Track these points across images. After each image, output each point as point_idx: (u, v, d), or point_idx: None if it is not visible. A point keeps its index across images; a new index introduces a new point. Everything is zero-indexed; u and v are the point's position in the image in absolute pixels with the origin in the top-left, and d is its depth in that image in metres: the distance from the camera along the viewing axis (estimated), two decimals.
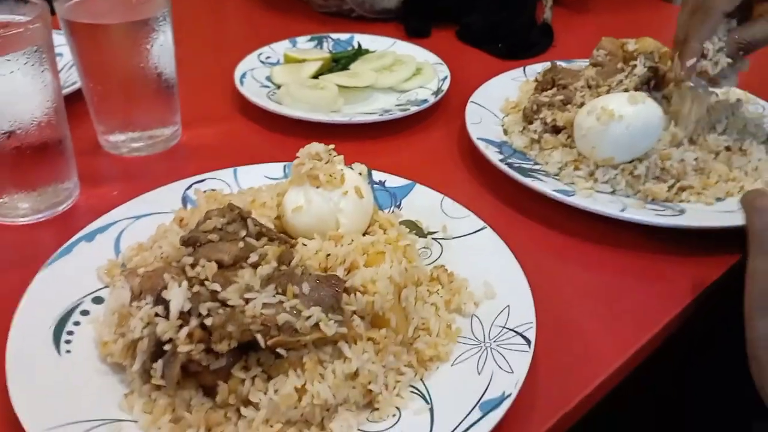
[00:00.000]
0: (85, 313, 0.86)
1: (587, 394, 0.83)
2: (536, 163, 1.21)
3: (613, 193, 1.14)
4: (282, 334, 0.72)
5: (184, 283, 0.74)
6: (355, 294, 0.79)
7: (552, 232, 1.11)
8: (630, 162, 1.15)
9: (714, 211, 1.11)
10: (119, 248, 0.97)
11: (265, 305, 0.73)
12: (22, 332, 0.80)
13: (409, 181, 1.11)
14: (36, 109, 1.03)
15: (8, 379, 0.74)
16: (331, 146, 0.94)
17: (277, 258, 0.80)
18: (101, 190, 1.19)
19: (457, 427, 0.70)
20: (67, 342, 0.81)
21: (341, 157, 0.95)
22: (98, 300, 0.88)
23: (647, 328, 0.94)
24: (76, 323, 0.84)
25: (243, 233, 0.83)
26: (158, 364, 0.72)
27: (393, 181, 1.11)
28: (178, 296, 0.72)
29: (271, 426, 0.71)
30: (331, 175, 0.91)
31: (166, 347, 0.72)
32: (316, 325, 0.74)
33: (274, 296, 0.74)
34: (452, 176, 1.26)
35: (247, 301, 0.74)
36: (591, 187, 1.14)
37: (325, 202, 0.90)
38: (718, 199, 1.14)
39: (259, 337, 0.71)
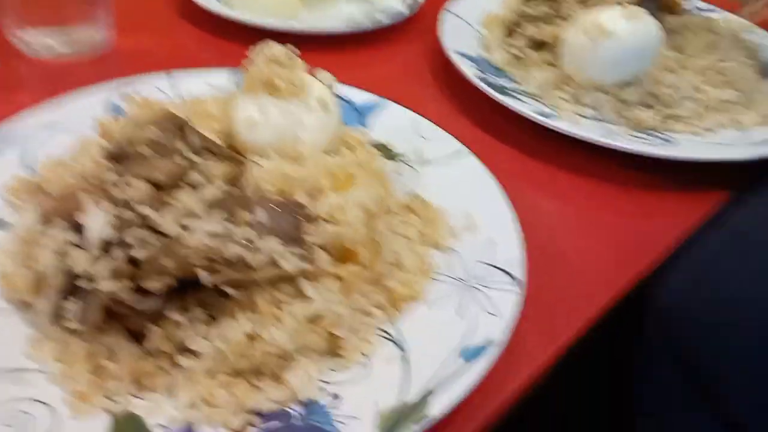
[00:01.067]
0: None
1: (574, 333, 0.74)
2: (517, 83, 1.09)
3: (598, 118, 1.03)
4: (230, 270, 0.59)
5: (105, 204, 0.60)
6: (319, 223, 0.66)
7: (531, 158, 1.00)
8: (619, 86, 1.04)
9: (705, 143, 1.02)
10: (30, 164, 0.80)
11: (209, 235, 0.60)
12: None
13: (378, 98, 0.97)
14: None
15: None
16: (293, 48, 0.79)
17: (225, 179, 0.67)
18: (14, 97, 1.01)
19: (434, 377, 0.60)
20: None
21: (302, 62, 0.80)
22: (2, 225, 0.73)
23: (633, 264, 0.86)
24: None
25: (182, 147, 0.68)
26: (72, 304, 0.59)
27: (358, 96, 0.97)
28: (97, 221, 0.58)
29: (215, 378, 0.59)
30: (292, 83, 0.76)
31: (83, 283, 0.58)
32: (273, 259, 0.61)
33: (221, 224, 0.61)
34: (423, 94, 1.12)
35: (187, 229, 0.60)
36: (575, 111, 1.03)
37: (284, 115, 0.76)
38: (709, 131, 1.05)
39: (202, 273, 0.58)
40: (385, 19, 1.22)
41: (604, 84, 1.03)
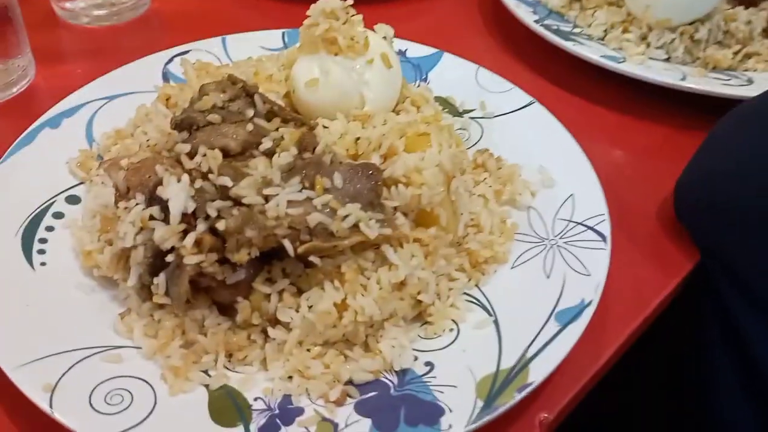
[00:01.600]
0: (58, 215, 0.70)
1: (662, 299, 0.71)
2: (576, 26, 1.03)
3: (668, 60, 0.98)
4: (314, 239, 0.58)
5: (185, 177, 0.58)
6: (396, 186, 0.64)
7: (598, 106, 0.96)
8: (690, 24, 0.98)
9: None
10: (92, 135, 0.79)
11: (290, 203, 0.58)
12: None
13: (436, 50, 0.93)
14: None
15: None
16: (349, 1, 0.75)
17: (297, 143, 0.64)
18: (62, 68, 0.99)
19: (531, 343, 0.58)
20: (41, 252, 0.66)
21: (360, 16, 0.76)
22: (73, 199, 0.72)
23: None
24: (49, 228, 0.68)
25: (250, 113, 0.66)
26: (160, 279, 0.58)
27: (416, 50, 0.93)
28: (178, 194, 0.57)
29: (307, 349, 0.58)
30: (352, 39, 0.73)
31: (169, 258, 0.57)
32: (355, 225, 0.59)
33: (300, 191, 0.59)
34: (477, 44, 1.08)
35: (267, 198, 0.58)
36: (643, 53, 0.97)
37: (347, 73, 0.73)
38: None
39: (286, 243, 0.57)
40: None
41: (674, 23, 0.97)
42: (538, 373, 0.56)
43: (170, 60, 0.89)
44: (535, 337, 0.59)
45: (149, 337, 0.59)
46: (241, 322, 0.59)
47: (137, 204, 0.59)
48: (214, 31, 0.95)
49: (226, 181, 0.58)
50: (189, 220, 0.57)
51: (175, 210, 0.56)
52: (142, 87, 0.84)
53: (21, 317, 0.59)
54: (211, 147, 0.62)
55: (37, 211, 0.69)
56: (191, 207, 0.57)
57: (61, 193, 0.72)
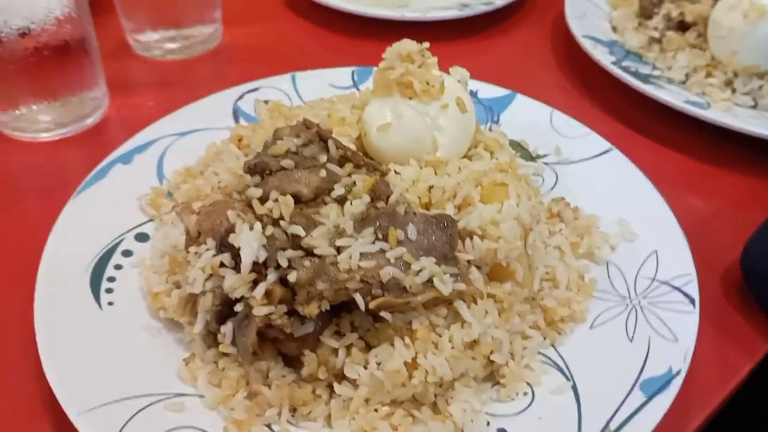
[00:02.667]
0: (127, 253, 0.70)
1: (754, 365, 0.66)
2: (655, 68, 0.99)
3: (755, 107, 0.93)
4: (387, 294, 0.55)
5: (257, 226, 0.57)
6: (471, 239, 0.61)
7: (678, 153, 0.92)
8: None
9: None
10: (162, 172, 0.79)
11: (363, 255, 0.56)
12: (53, 279, 0.65)
13: (508, 91, 0.90)
14: (52, 0, 0.84)
15: (39, 342, 0.59)
16: (426, 44, 0.74)
17: (370, 191, 0.62)
18: (134, 100, 1.01)
19: (615, 414, 0.54)
20: (109, 291, 0.66)
21: (435, 59, 0.75)
22: (142, 237, 0.72)
23: None
24: (118, 267, 0.68)
25: (323, 158, 0.64)
26: (227, 328, 0.56)
27: (487, 90, 0.91)
28: (250, 243, 0.55)
29: (375, 409, 0.55)
30: (427, 83, 0.71)
31: (237, 306, 0.56)
32: (429, 280, 0.56)
33: (373, 243, 0.57)
34: (548, 84, 1.05)
35: (339, 249, 0.57)
36: (728, 99, 0.93)
37: (421, 118, 0.71)
38: None
39: (358, 297, 0.55)
40: (498, 0, 1.14)
41: (762, 69, 0.92)
42: None
43: (241, 97, 0.90)
44: (619, 407, 0.55)
45: (213, 386, 0.58)
46: (306, 375, 0.57)
47: (208, 250, 0.58)
48: (285, 66, 0.95)
49: (298, 230, 0.57)
50: (259, 269, 0.56)
51: (247, 259, 0.55)
52: (212, 124, 0.85)
53: (87, 359, 0.59)
54: (283, 193, 0.60)
55: (107, 249, 0.69)
56: (263, 256, 0.55)
57: (131, 230, 0.72)
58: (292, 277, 0.54)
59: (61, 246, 0.68)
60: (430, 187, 0.65)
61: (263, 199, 0.61)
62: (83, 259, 0.68)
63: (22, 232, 0.78)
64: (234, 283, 0.55)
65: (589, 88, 1.03)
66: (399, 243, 0.58)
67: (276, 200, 0.60)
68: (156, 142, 0.82)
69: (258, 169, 0.64)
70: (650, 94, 0.92)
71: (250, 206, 0.61)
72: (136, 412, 0.55)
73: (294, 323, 0.55)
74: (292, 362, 0.58)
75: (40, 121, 0.91)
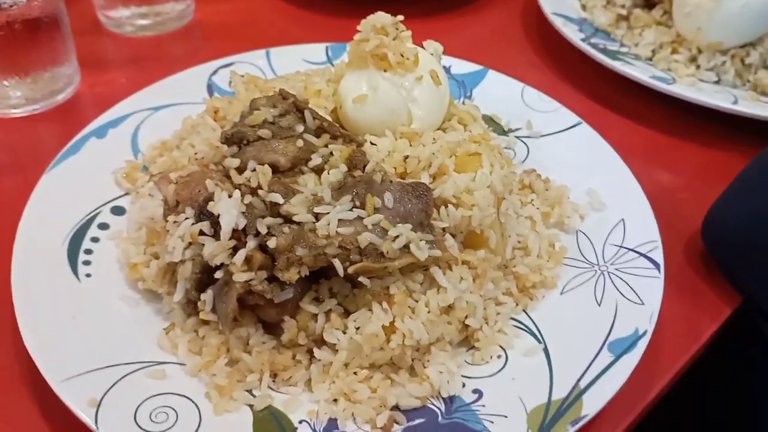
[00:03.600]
0: (103, 226, 0.70)
1: (713, 330, 0.69)
2: (623, 45, 1.01)
3: (717, 82, 0.96)
4: (365, 259, 0.57)
5: (236, 193, 0.57)
6: (446, 207, 0.62)
7: (644, 128, 0.94)
8: (741, 47, 0.96)
9: None
10: (137, 146, 0.79)
11: (341, 222, 0.57)
12: (30, 252, 0.64)
13: (480, 67, 0.92)
14: None
15: (18, 313, 0.59)
16: (400, 17, 0.74)
17: (347, 160, 0.63)
18: (106, 77, 1.00)
19: (584, 373, 0.57)
20: (86, 264, 0.66)
21: (410, 33, 0.76)
22: (118, 210, 0.72)
23: None
24: (95, 239, 0.68)
25: (300, 128, 0.65)
26: (207, 296, 0.57)
27: (460, 66, 0.92)
28: (229, 210, 0.56)
29: (354, 372, 0.57)
30: (402, 55, 0.72)
31: (217, 274, 0.57)
32: (406, 246, 0.58)
33: (351, 210, 0.58)
34: (519, 61, 1.06)
35: (317, 216, 0.58)
36: (692, 75, 0.96)
37: (396, 90, 0.72)
38: None
39: (337, 263, 0.56)
40: None
41: (725, 46, 0.95)
42: (591, 405, 0.54)
43: (215, 72, 0.90)
44: (588, 367, 0.57)
45: (193, 353, 0.58)
46: (286, 341, 0.59)
47: (186, 218, 0.59)
48: (257, 43, 0.95)
49: (276, 197, 0.58)
50: (239, 236, 0.56)
51: (227, 226, 0.56)
52: (187, 98, 0.84)
53: (67, 329, 0.59)
54: (260, 162, 0.61)
55: (83, 222, 0.69)
56: (242, 223, 0.56)
57: (107, 203, 0.72)
58: (271, 243, 0.55)
59: (36, 219, 0.68)
60: (406, 157, 0.67)
61: (241, 169, 0.61)
62: (59, 232, 0.67)
63: None
64: (214, 250, 0.56)
65: (559, 65, 1.04)
66: (376, 210, 0.59)
67: (254, 170, 0.61)
68: (130, 116, 0.82)
69: (235, 139, 0.64)
70: (618, 70, 0.94)
71: (227, 176, 0.62)
72: (118, 380, 0.55)
73: (274, 289, 0.56)
74: (272, 329, 0.59)
75: (11, 97, 0.90)
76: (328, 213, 0.57)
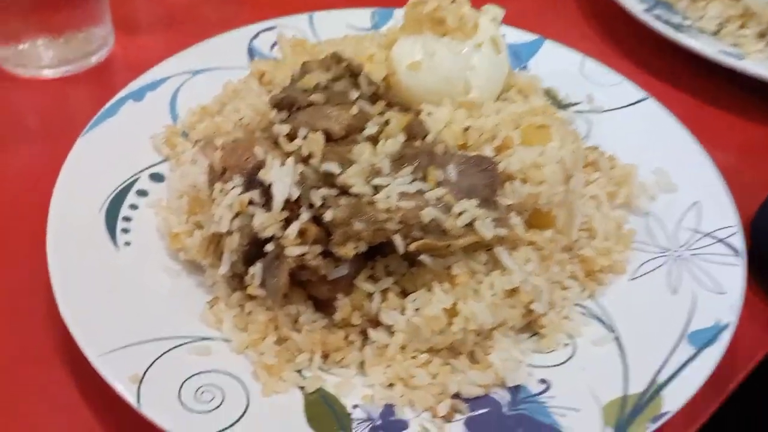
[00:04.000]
0: (142, 193, 0.66)
1: None
2: (686, 18, 0.95)
3: None
4: (426, 236, 0.52)
5: (290, 161, 0.53)
6: (512, 183, 0.58)
7: (708, 105, 0.88)
8: None
9: None
10: (176, 111, 0.75)
11: (402, 195, 0.53)
12: (66, 219, 0.61)
13: (537, 36, 0.86)
14: None
15: (54, 283, 0.55)
16: None
17: (405, 130, 0.59)
18: (140, 40, 0.95)
19: (663, 367, 0.52)
20: (125, 231, 0.62)
21: None
22: (157, 177, 0.68)
23: None
24: (133, 206, 0.65)
25: (354, 94, 0.61)
26: (257, 269, 0.53)
27: (514, 35, 0.86)
28: (283, 179, 0.52)
29: (412, 356, 0.53)
30: (461, 19, 0.67)
31: (267, 247, 0.53)
32: (470, 224, 0.53)
33: (411, 183, 0.54)
34: (576, 32, 1.00)
35: (376, 189, 0.53)
36: (761, 51, 0.89)
37: (453, 57, 0.67)
38: None
39: (398, 239, 0.52)
40: None
41: None
42: (672, 401, 0.50)
43: (256, 36, 0.85)
44: (666, 360, 0.52)
45: (239, 330, 0.55)
46: (339, 321, 0.54)
47: (234, 187, 0.55)
48: (297, 8, 0.90)
49: (332, 167, 0.53)
50: (292, 207, 0.52)
51: (279, 195, 0.51)
52: (226, 63, 0.80)
53: (105, 300, 0.55)
54: (313, 129, 0.57)
55: (121, 188, 0.65)
56: (295, 194, 0.52)
57: (145, 169, 0.68)
58: (328, 215, 0.51)
59: (72, 184, 0.64)
60: (467, 129, 0.62)
61: (291, 136, 0.57)
62: (97, 199, 0.64)
63: (28, 173, 0.74)
64: (265, 222, 0.52)
65: (618, 37, 0.99)
66: (438, 184, 0.55)
67: (305, 137, 0.56)
68: (168, 80, 0.78)
69: (285, 104, 0.60)
70: (684, 44, 0.88)
71: (276, 143, 0.58)
72: (160, 355, 0.52)
73: (328, 265, 0.52)
74: (323, 306, 0.55)
75: (43, 57, 0.86)
76: (387, 185, 0.53)
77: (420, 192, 0.53)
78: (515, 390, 0.52)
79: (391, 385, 0.52)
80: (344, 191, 0.53)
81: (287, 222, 0.52)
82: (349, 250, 0.51)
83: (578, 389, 0.51)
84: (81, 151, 0.67)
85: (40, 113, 0.84)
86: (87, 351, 0.51)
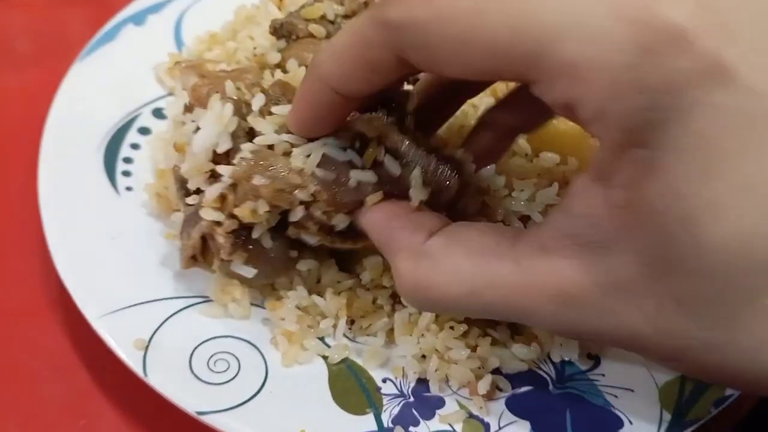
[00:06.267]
0: (144, 131, 0.60)
1: None
2: None
3: None
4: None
5: (228, 107, 0.44)
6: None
7: None
8: None
9: None
10: (181, 38, 0.67)
11: (325, 160, 0.42)
12: (59, 158, 0.54)
13: None
14: None
15: (47, 231, 0.49)
16: None
17: None
18: None
19: None
20: (126, 174, 0.56)
21: None
22: (160, 114, 0.61)
23: None
24: (135, 146, 0.58)
25: None
26: (176, 218, 0.48)
27: None
28: (211, 124, 0.44)
29: (450, 326, 0.47)
30: None
31: (189, 199, 0.47)
32: None
33: (345, 150, 0.43)
34: None
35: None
36: None
37: None
38: None
39: (298, 212, 0.43)
40: None
41: None
42: None
43: None
44: None
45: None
46: (367, 282, 0.49)
47: (192, 121, 0.47)
48: None
49: (258, 100, 0.44)
50: (221, 161, 0.44)
51: (200, 143, 0.43)
52: None
53: (105, 253, 0.50)
54: (301, 63, 0.50)
55: (121, 125, 0.59)
56: (225, 146, 0.44)
57: (147, 104, 0.61)
58: (224, 171, 0.43)
59: (67, 117, 0.57)
60: None
61: (282, 67, 0.51)
62: (94, 134, 0.57)
63: (18, 103, 0.67)
64: (189, 171, 0.45)
65: None
66: (374, 165, 0.42)
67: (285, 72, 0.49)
68: (172, 2, 0.69)
69: (284, 32, 0.53)
70: None
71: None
72: (168, 317, 0.46)
73: (345, 219, 0.43)
74: (349, 266, 0.49)
75: None
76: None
77: (348, 164, 0.42)
78: (562, 366, 0.47)
79: (423, 357, 0.47)
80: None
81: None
82: (244, 212, 0.42)
83: (632, 368, 0.46)
84: (76, 78, 0.60)
85: (30, 37, 0.76)
86: (86, 311, 0.46)
